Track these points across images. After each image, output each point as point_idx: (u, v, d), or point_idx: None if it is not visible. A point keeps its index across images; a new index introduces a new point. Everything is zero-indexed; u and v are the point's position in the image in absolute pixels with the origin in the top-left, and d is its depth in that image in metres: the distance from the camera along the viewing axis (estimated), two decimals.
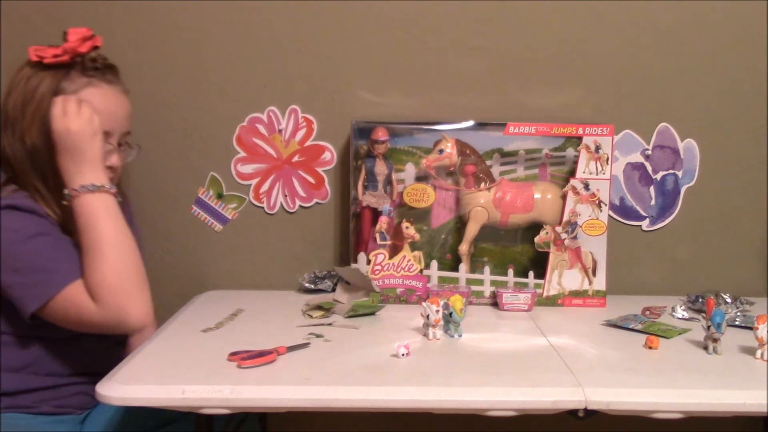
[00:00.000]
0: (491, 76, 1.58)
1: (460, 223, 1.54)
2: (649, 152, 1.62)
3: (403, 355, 1.13)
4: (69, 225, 1.21)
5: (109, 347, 1.29)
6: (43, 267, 1.15)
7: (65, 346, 1.25)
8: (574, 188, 1.48)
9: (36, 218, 1.18)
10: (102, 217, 1.17)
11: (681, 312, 1.42)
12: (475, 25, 1.57)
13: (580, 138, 1.47)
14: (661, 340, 1.22)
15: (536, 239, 1.49)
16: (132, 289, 1.16)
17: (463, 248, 1.52)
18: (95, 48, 1.24)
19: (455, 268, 1.52)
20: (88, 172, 1.18)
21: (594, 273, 1.49)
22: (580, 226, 1.48)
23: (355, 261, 1.51)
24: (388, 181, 1.50)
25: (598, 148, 1.47)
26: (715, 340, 1.17)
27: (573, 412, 1.01)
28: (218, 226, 1.63)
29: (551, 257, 1.49)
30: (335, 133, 1.60)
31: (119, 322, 1.15)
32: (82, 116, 1.18)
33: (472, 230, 1.52)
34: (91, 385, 1.06)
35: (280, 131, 1.60)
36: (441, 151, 1.49)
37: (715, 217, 1.63)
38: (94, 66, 1.24)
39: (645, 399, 1.00)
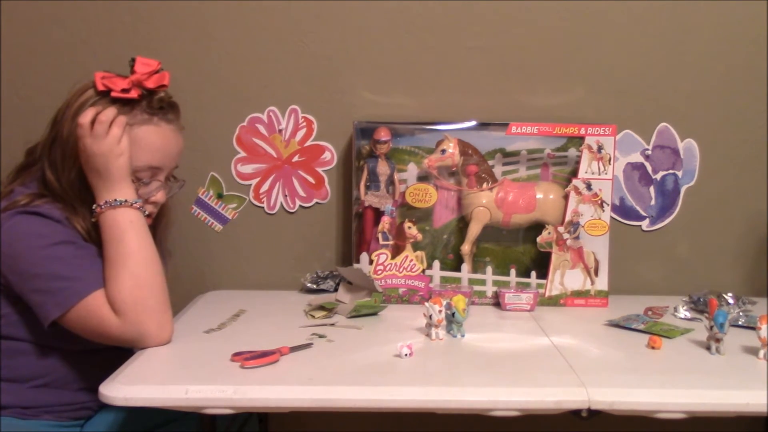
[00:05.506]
0: (493, 76, 1.58)
1: (463, 223, 1.53)
2: (649, 152, 1.62)
3: (406, 355, 1.13)
4: (97, 241, 1.20)
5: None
6: (66, 275, 1.13)
7: (80, 359, 1.23)
8: (576, 188, 1.48)
9: (60, 227, 1.17)
10: (126, 232, 1.16)
11: (683, 312, 1.42)
12: (478, 24, 1.57)
13: (582, 138, 1.48)
14: (664, 340, 1.22)
15: (538, 239, 1.50)
16: (155, 306, 1.15)
17: (466, 248, 1.52)
18: (162, 86, 1.22)
19: (457, 268, 1.52)
20: (113, 189, 1.17)
21: (596, 273, 1.50)
22: (583, 226, 1.48)
23: (358, 261, 1.51)
24: (391, 181, 1.50)
25: (600, 148, 1.47)
26: (718, 341, 1.17)
27: (576, 412, 1.01)
28: (218, 226, 1.63)
29: (553, 257, 1.49)
30: (336, 133, 1.60)
31: (138, 338, 1.14)
32: (109, 137, 1.16)
33: (474, 230, 1.52)
34: (97, 401, 1.06)
35: (280, 131, 1.60)
36: (443, 151, 1.49)
37: (715, 217, 1.64)
38: (159, 106, 1.23)
39: (648, 399, 1.00)
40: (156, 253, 1.20)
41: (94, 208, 1.18)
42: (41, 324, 1.15)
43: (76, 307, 1.12)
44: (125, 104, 1.20)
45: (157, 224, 1.33)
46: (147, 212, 1.24)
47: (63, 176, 1.20)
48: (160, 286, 1.18)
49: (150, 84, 1.21)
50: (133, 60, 1.22)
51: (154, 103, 1.22)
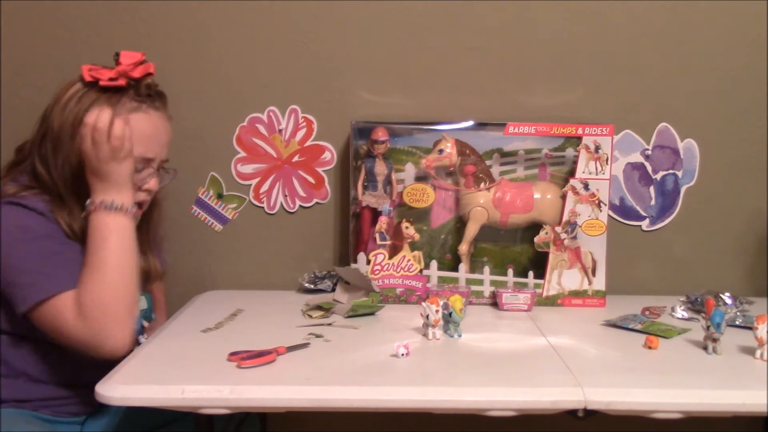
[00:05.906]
0: (491, 76, 1.58)
1: (460, 223, 1.54)
2: (649, 152, 1.62)
3: (402, 355, 1.13)
4: (79, 238, 1.20)
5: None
6: (36, 270, 1.13)
7: (60, 351, 1.21)
8: (573, 188, 1.48)
9: (42, 220, 1.17)
10: (112, 238, 1.16)
11: (681, 312, 1.42)
12: (475, 25, 1.57)
13: (579, 138, 1.47)
14: (661, 340, 1.22)
15: (536, 239, 1.49)
16: (123, 315, 1.14)
17: (463, 248, 1.52)
18: (148, 75, 1.24)
19: (455, 268, 1.52)
20: (111, 192, 1.17)
21: (594, 273, 1.49)
22: (580, 226, 1.48)
23: (355, 261, 1.51)
24: (388, 181, 1.50)
25: (597, 148, 1.47)
26: (715, 340, 1.17)
27: (572, 412, 1.01)
28: (218, 226, 1.64)
29: (551, 257, 1.49)
30: (335, 133, 1.60)
31: (96, 345, 1.12)
32: (111, 142, 1.15)
33: (471, 230, 1.52)
34: (88, 395, 1.05)
35: (280, 131, 1.60)
36: (441, 151, 1.49)
37: (715, 217, 1.63)
38: (147, 93, 1.24)
39: (644, 399, 1.00)
40: (135, 264, 1.18)
41: (87, 203, 1.18)
42: (17, 316, 1.15)
43: (43, 305, 1.12)
44: (114, 93, 1.20)
45: (150, 216, 1.34)
46: (139, 200, 1.24)
47: (54, 171, 1.20)
48: (132, 297, 1.16)
49: (136, 74, 1.22)
50: (118, 54, 1.23)
51: (141, 89, 1.23)
